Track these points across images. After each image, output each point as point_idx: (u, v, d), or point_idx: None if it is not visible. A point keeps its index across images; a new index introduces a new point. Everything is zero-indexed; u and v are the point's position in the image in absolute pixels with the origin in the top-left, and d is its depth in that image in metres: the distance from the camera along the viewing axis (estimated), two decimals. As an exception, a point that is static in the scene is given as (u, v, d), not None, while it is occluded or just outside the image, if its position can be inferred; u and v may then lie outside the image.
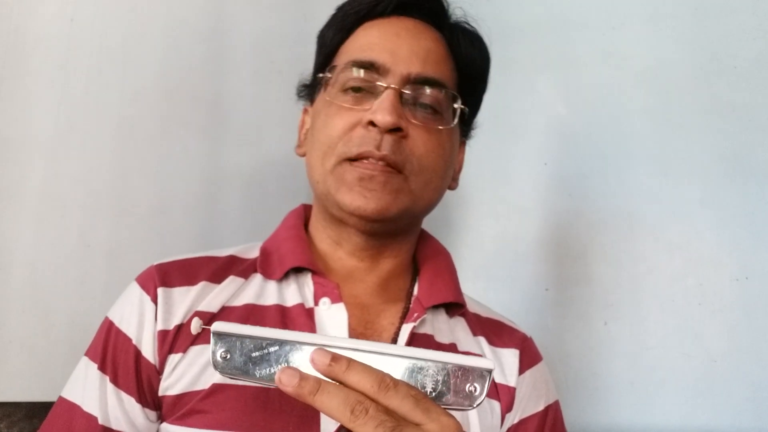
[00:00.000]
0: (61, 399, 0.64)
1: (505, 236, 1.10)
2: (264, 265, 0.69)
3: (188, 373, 0.61)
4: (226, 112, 1.06)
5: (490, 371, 0.46)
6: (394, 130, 0.64)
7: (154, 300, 0.64)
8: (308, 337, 0.47)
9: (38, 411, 0.85)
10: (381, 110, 0.63)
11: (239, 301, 0.66)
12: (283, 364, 0.46)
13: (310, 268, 0.68)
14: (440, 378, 0.46)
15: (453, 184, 0.76)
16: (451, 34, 0.72)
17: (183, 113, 1.03)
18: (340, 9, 0.73)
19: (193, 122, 1.04)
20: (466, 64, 0.72)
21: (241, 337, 0.46)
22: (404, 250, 0.73)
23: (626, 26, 1.13)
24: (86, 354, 0.65)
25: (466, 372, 0.46)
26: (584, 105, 1.12)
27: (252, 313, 0.65)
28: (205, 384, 0.60)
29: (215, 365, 0.46)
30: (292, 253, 0.69)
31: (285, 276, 0.68)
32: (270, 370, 0.46)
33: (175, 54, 1.04)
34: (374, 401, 0.43)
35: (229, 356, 0.46)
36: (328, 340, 0.47)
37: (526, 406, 0.69)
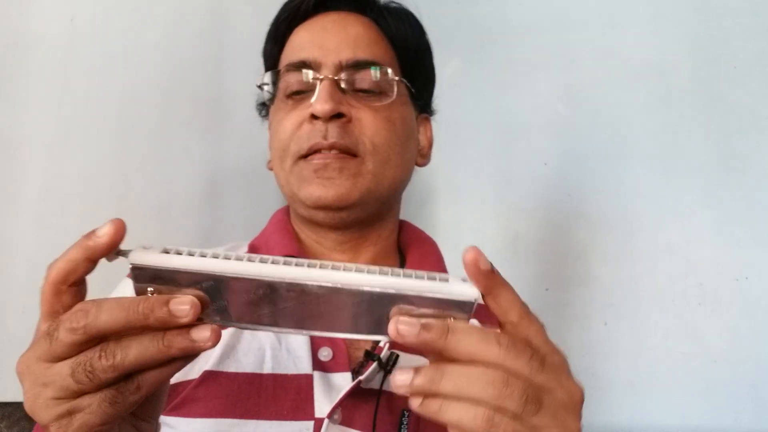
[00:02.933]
0: None
1: (505, 236, 1.10)
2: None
3: None
4: (226, 112, 1.06)
5: (472, 303, 0.39)
6: (337, 116, 0.65)
7: None
8: (248, 268, 0.37)
9: (38, 411, 0.85)
10: (319, 100, 0.64)
11: None
12: (220, 303, 0.37)
13: (298, 257, 0.68)
14: (413, 308, 0.38)
15: (421, 160, 0.77)
16: (379, 17, 0.74)
17: (183, 113, 1.03)
18: (273, 21, 0.76)
19: (193, 122, 1.04)
20: (400, 41, 0.74)
21: (166, 271, 0.37)
22: (384, 236, 0.73)
23: (626, 26, 1.13)
24: None
25: (443, 303, 0.38)
26: (584, 105, 1.12)
27: None
28: (197, 372, 0.60)
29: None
30: (279, 243, 0.71)
31: None
32: (206, 310, 0.37)
33: (175, 54, 1.04)
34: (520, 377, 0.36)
35: (156, 294, 0.37)
36: (266, 271, 0.37)
37: None
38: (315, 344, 0.63)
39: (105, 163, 0.97)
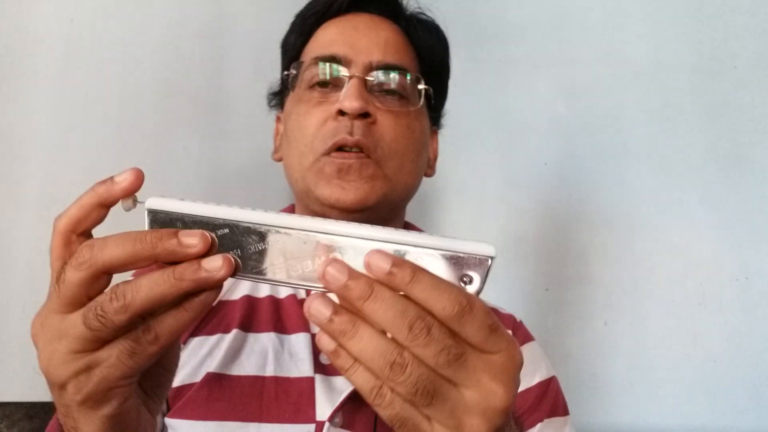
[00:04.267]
0: None
1: (506, 236, 1.10)
2: None
3: (187, 365, 0.61)
4: (226, 112, 1.06)
5: (490, 258, 0.37)
6: (363, 115, 0.65)
7: None
8: (266, 217, 0.38)
9: (38, 411, 0.85)
10: (348, 97, 0.64)
11: (236, 295, 0.67)
12: (235, 252, 0.37)
13: None
14: (428, 264, 0.37)
15: (429, 171, 0.77)
16: (408, 25, 0.74)
17: (183, 113, 1.03)
18: (299, 14, 0.76)
19: (193, 122, 1.04)
20: (426, 52, 0.74)
21: (182, 217, 0.37)
22: None
23: (626, 26, 1.13)
24: None
25: (459, 260, 0.37)
26: (584, 105, 1.12)
27: (248, 304, 0.66)
28: (201, 375, 0.60)
29: None
30: None
31: None
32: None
33: (175, 54, 1.04)
34: (440, 322, 0.35)
35: None
36: (287, 221, 0.38)
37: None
38: (316, 347, 0.63)
39: (105, 163, 0.98)
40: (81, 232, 0.38)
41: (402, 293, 0.35)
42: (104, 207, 0.38)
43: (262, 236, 0.38)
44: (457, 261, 0.38)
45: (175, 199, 0.38)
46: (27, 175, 0.94)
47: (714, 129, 1.06)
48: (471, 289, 0.38)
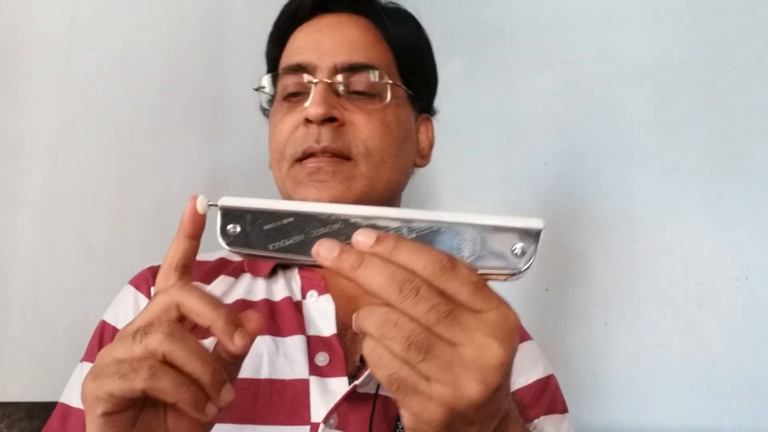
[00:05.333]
0: (59, 404, 0.65)
1: (505, 236, 1.09)
2: (251, 264, 0.71)
3: None
4: (226, 112, 1.06)
5: (539, 231, 0.40)
6: (330, 120, 0.66)
7: (149, 298, 0.65)
8: (325, 207, 0.42)
9: (38, 411, 0.85)
10: (312, 104, 0.65)
11: (230, 298, 0.67)
12: (298, 237, 0.42)
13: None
14: (478, 240, 0.40)
15: (420, 161, 0.77)
16: (377, 18, 0.74)
17: (183, 113, 1.03)
18: (274, 23, 0.77)
19: (193, 122, 1.04)
20: (398, 42, 0.74)
21: (252, 210, 0.43)
22: None
23: (626, 26, 1.13)
24: (82, 360, 0.66)
25: (510, 233, 0.40)
26: (584, 105, 1.12)
27: (243, 308, 0.66)
28: None
29: (224, 239, 0.43)
30: None
31: (273, 272, 0.70)
32: (285, 242, 0.42)
33: (175, 54, 1.04)
34: (427, 282, 0.37)
35: (239, 229, 0.43)
36: (347, 210, 0.42)
37: (516, 379, 0.69)
38: (312, 349, 0.63)
39: (105, 163, 0.98)
40: (177, 266, 0.46)
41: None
42: (191, 238, 0.47)
43: (325, 222, 0.42)
44: (509, 234, 0.40)
45: (242, 198, 0.43)
46: (27, 175, 0.94)
47: (714, 129, 1.06)
48: (524, 260, 0.40)
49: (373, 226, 0.41)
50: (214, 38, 1.07)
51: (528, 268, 0.40)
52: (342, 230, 0.42)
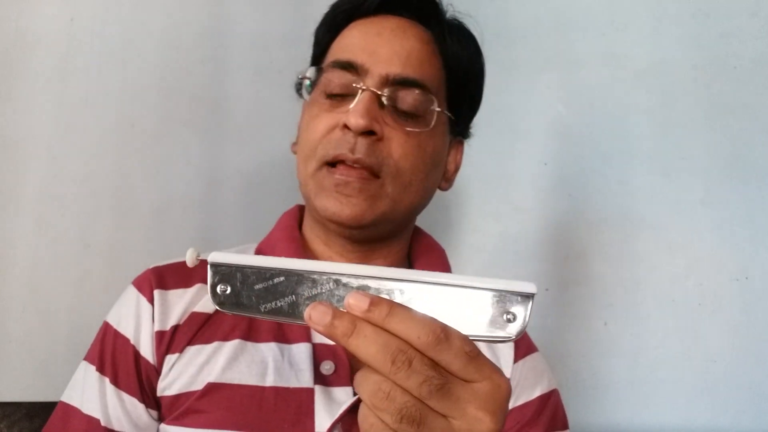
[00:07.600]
0: (60, 403, 0.64)
1: (506, 236, 1.10)
2: None
3: (185, 373, 0.61)
4: (226, 112, 1.06)
5: (531, 295, 0.40)
6: (368, 133, 0.63)
7: (151, 301, 0.64)
8: (316, 265, 0.41)
9: (38, 411, 0.85)
10: (354, 113, 0.62)
11: None
12: (290, 298, 0.41)
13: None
14: (470, 304, 0.40)
15: (444, 185, 0.76)
16: (440, 32, 0.70)
17: (183, 113, 1.03)
18: (332, 7, 0.73)
19: (193, 122, 1.04)
20: (455, 64, 0.71)
21: (242, 268, 0.41)
22: (395, 251, 0.72)
23: (627, 26, 1.13)
24: (85, 358, 0.66)
25: (502, 297, 0.40)
26: (584, 105, 1.12)
27: None
28: (200, 384, 0.60)
29: (214, 300, 0.42)
30: (285, 252, 0.69)
31: None
32: (277, 304, 0.41)
33: (175, 54, 1.04)
34: (420, 353, 0.37)
35: (229, 290, 0.41)
36: (339, 268, 0.41)
37: (520, 394, 0.69)
38: (317, 357, 0.62)
39: (105, 163, 0.98)
40: None
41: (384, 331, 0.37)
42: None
43: (317, 283, 0.41)
44: (500, 300, 0.40)
45: (232, 253, 0.42)
46: (27, 176, 0.94)
47: (714, 129, 1.06)
48: (515, 325, 0.40)
49: (365, 288, 0.41)
50: (214, 38, 1.07)
51: (520, 332, 0.40)
52: (334, 291, 0.41)
